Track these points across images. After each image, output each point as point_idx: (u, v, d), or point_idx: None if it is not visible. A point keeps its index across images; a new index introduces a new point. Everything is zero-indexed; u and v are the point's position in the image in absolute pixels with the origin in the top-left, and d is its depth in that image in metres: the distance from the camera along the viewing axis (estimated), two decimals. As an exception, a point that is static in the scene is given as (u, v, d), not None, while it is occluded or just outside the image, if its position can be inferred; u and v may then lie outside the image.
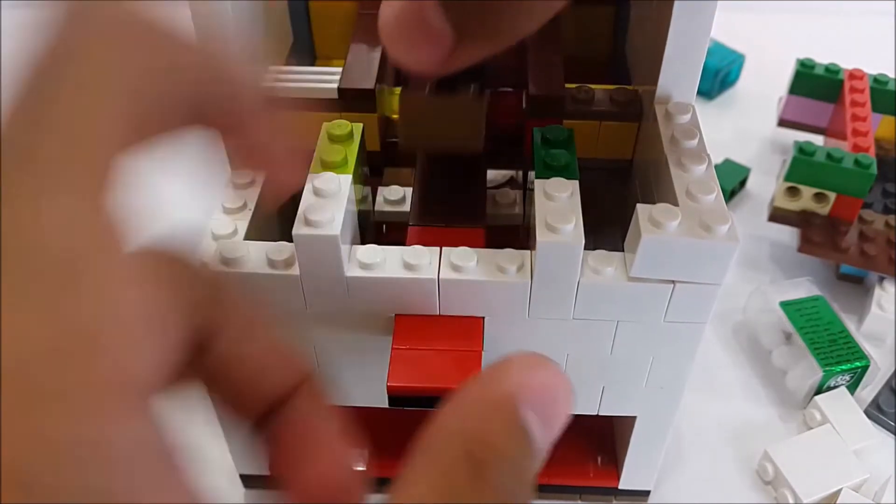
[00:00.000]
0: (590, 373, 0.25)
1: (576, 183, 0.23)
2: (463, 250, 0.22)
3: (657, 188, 0.25)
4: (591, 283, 0.22)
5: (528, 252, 0.23)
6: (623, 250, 0.23)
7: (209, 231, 0.25)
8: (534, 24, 0.19)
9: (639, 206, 0.21)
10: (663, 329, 0.23)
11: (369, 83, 0.27)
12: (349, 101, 0.27)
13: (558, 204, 0.22)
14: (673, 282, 0.22)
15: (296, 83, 0.27)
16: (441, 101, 0.24)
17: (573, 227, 0.21)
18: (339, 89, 0.27)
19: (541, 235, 0.21)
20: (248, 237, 0.25)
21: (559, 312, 0.23)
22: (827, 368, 0.34)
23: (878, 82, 0.43)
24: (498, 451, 0.14)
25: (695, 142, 0.25)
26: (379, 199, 0.29)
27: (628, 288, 0.22)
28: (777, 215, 0.39)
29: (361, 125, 0.24)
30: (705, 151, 0.24)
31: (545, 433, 0.15)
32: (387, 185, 0.31)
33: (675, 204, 0.22)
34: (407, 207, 0.29)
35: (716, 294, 0.22)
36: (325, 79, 0.27)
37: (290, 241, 0.22)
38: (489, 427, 0.14)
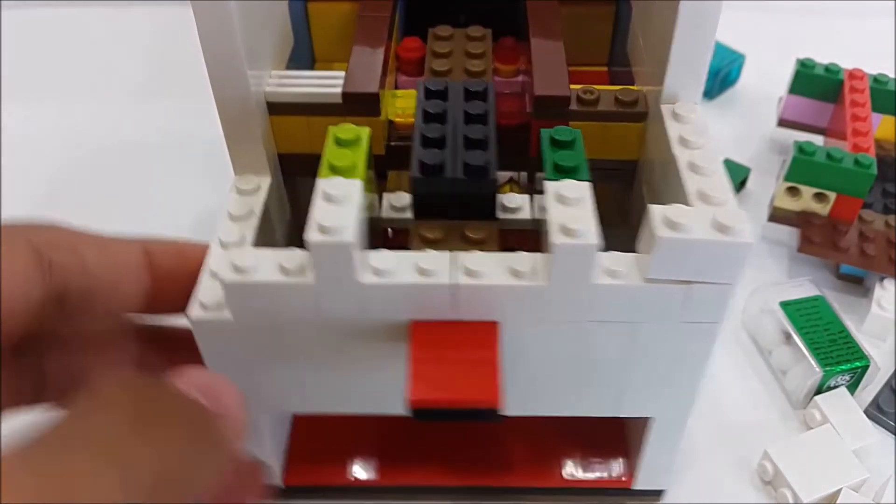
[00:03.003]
0: (604, 375, 0.25)
1: (588, 184, 0.22)
2: (477, 255, 0.22)
3: (666, 189, 0.25)
4: (607, 285, 0.22)
5: (542, 255, 0.22)
6: (628, 250, 0.23)
7: (216, 238, 0.25)
8: None
9: (652, 206, 0.21)
10: (678, 329, 0.23)
11: (373, 86, 0.27)
12: (353, 104, 0.26)
13: (572, 206, 0.22)
14: (688, 282, 0.22)
15: (299, 87, 0.27)
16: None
17: (588, 228, 0.21)
18: (343, 93, 0.26)
19: (556, 238, 0.21)
20: (255, 244, 0.25)
21: (575, 315, 0.23)
22: (827, 368, 0.34)
23: (878, 82, 0.43)
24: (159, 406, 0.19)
25: (704, 142, 0.25)
26: (384, 204, 0.29)
27: (643, 289, 0.22)
28: (777, 215, 0.39)
29: (369, 129, 0.24)
30: (715, 151, 0.24)
31: (212, 403, 0.20)
32: (390, 187, 0.31)
33: (687, 204, 0.22)
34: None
35: (730, 293, 0.22)
36: (328, 83, 0.27)
37: (296, 246, 0.22)
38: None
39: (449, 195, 0.24)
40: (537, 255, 0.22)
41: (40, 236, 0.21)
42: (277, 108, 0.27)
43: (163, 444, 0.18)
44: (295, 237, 0.30)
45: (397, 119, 0.29)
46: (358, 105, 0.26)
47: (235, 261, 0.22)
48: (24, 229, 0.22)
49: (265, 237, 0.26)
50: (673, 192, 0.24)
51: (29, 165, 0.47)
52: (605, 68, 0.37)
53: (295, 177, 0.30)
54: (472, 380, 0.21)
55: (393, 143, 0.29)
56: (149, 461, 0.17)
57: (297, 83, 0.27)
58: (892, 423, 0.34)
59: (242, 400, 0.21)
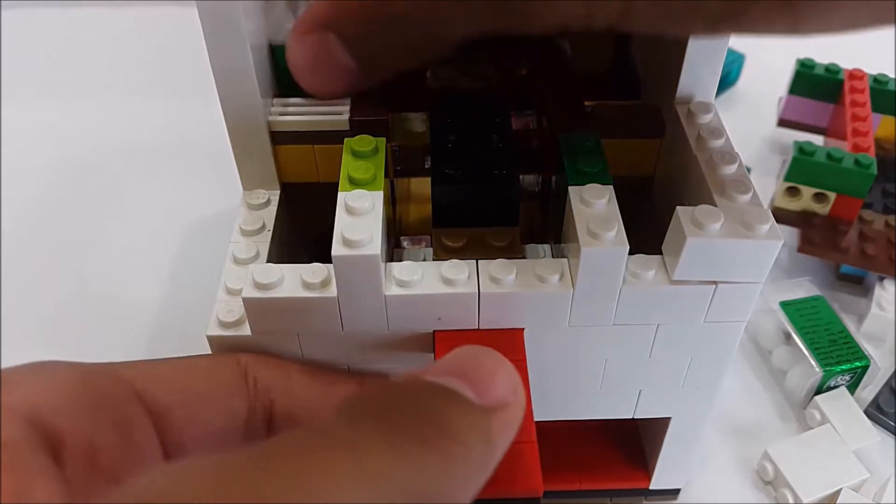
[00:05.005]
0: (628, 377, 0.25)
1: (611, 188, 0.22)
2: (501, 262, 0.22)
3: (686, 191, 0.25)
4: (633, 288, 0.22)
5: (565, 260, 0.22)
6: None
7: (230, 254, 0.24)
8: (434, 52, 0.21)
9: (679, 208, 0.21)
10: (703, 329, 0.23)
11: (383, 112, 0.26)
12: (362, 131, 0.25)
13: (598, 210, 0.21)
14: (715, 282, 0.22)
15: (303, 115, 0.26)
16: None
17: (616, 232, 0.21)
18: (351, 119, 0.25)
19: (584, 243, 0.21)
20: (269, 260, 0.25)
21: (600, 319, 0.23)
22: (827, 368, 0.34)
23: (878, 82, 0.43)
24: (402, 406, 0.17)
25: (722, 140, 0.24)
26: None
27: (670, 291, 0.22)
28: (777, 215, 0.39)
29: (385, 139, 0.23)
30: (734, 149, 0.24)
31: (476, 391, 0.17)
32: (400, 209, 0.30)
33: (711, 205, 0.22)
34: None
35: (757, 292, 0.22)
36: (333, 109, 0.26)
37: (310, 261, 0.21)
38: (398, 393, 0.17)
39: (470, 203, 0.24)
40: (563, 260, 0.22)
41: (249, 356, 0.22)
42: (281, 138, 0.26)
43: (414, 459, 0.15)
44: (299, 250, 0.30)
45: (405, 143, 0.28)
46: (367, 131, 0.25)
47: (257, 277, 0.21)
48: (234, 353, 0.22)
49: (277, 251, 0.26)
50: (696, 194, 0.24)
51: (29, 165, 0.47)
52: (606, 74, 0.37)
53: (299, 206, 0.29)
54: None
55: (401, 168, 0.29)
56: (402, 477, 0.15)
57: (301, 111, 0.26)
58: (892, 423, 0.34)
59: (518, 383, 0.18)
